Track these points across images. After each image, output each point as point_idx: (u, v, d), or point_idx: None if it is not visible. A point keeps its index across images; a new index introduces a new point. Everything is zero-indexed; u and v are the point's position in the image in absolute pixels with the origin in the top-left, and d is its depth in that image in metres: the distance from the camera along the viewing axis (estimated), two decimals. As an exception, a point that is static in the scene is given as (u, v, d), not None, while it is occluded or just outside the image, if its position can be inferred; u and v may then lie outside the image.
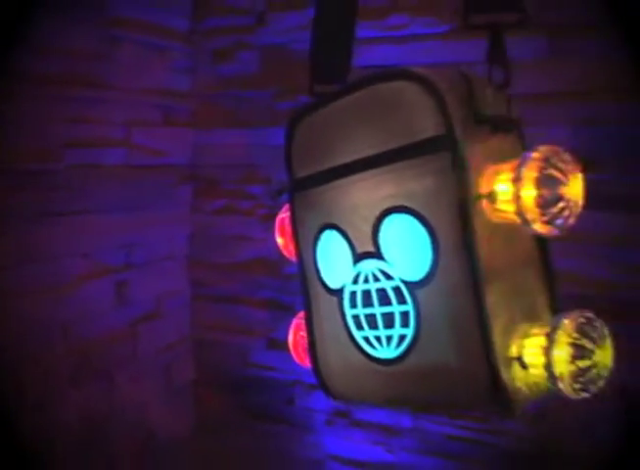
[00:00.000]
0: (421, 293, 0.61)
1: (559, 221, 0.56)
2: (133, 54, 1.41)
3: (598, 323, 0.57)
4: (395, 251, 0.63)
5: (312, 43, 0.78)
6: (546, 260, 0.64)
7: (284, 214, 0.81)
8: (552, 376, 0.56)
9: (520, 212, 0.56)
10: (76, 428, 1.33)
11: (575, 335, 0.56)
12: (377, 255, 0.64)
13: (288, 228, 0.80)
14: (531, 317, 0.61)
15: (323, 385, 0.75)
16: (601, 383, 0.57)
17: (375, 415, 1.49)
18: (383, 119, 0.63)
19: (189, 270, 1.62)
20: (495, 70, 0.61)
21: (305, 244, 0.74)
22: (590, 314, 0.57)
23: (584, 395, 0.56)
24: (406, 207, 0.61)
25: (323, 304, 0.72)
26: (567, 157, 0.56)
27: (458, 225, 0.58)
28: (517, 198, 0.56)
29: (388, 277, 0.64)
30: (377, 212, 0.63)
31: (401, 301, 0.63)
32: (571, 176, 0.56)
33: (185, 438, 1.56)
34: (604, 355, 0.57)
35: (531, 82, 1.27)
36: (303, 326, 0.80)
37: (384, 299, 0.64)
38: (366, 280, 0.66)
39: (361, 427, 1.51)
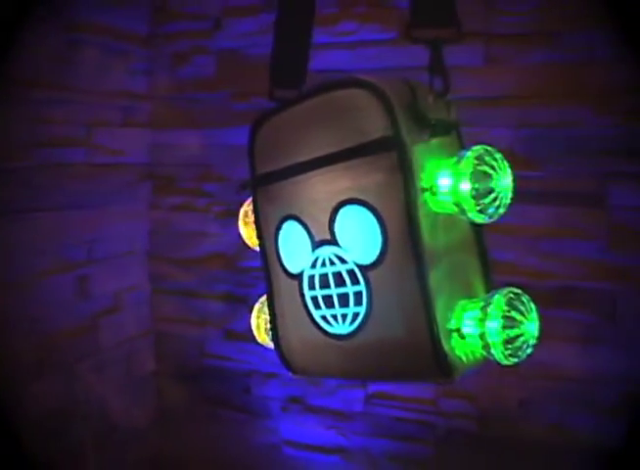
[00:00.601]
0: (372, 274, 0.70)
1: (490, 210, 0.65)
2: (95, 57, 1.47)
3: (525, 298, 0.67)
4: (349, 238, 0.71)
5: (272, 50, 0.86)
6: (481, 244, 0.73)
7: (247, 207, 0.89)
8: (486, 344, 0.65)
9: (457, 203, 0.65)
10: (40, 420, 1.38)
11: (506, 308, 0.65)
12: (333, 242, 0.72)
13: (250, 220, 0.87)
14: (468, 294, 0.71)
15: (284, 361, 0.83)
16: (529, 350, 0.66)
17: (328, 401, 1.58)
18: (337, 122, 0.71)
19: (148, 265, 1.68)
20: (436, 78, 0.70)
21: (267, 234, 0.82)
22: (518, 290, 0.67)
23: (514, 360, 0.65)
24: (359, 199, 0.69)
25: (284, 287, 0.80)
26: (497, 155, 0.66)
27: (404, 215, 0.66)
28: (455, 191, 0.65)
29: (343, 261, 0.72)
30: (333, 204, 0.72)
31: (355, 282, 0.71)
32: (501, 172, 0.65)
33: (146, 428, 1.62)
34: (531, 326, 0.66)
35: (476, 87, 1.38)
36: (263, 310, 0.89)
37: (339, 281, 0.72)
38: (323, 264, 0.74)
39: (315, 412, 1.59)
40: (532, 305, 0.67)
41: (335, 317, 0.74)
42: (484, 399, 1.45)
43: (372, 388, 1.54)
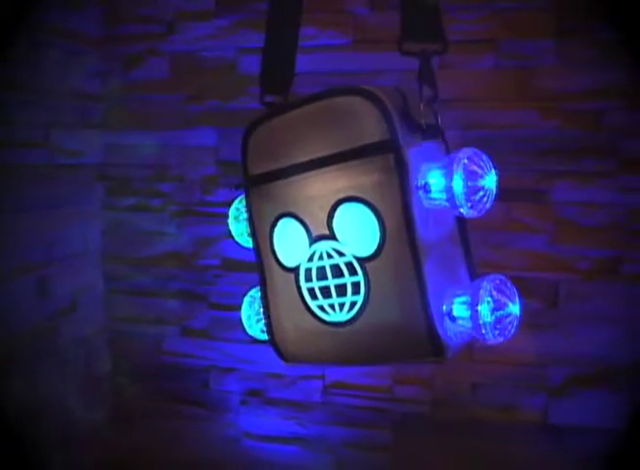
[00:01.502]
0: (370, 266, 0.76)
1: (480, 206, 0.73)
2: (52, 58, 1.47)
3: (509, 283, 0.75)
4: (348, 232, 0.77)
5: (263, 58, 0.91)
6: (464, 237, 0.81)
7: (238, 205, 0.94)
8: (477, 325, 0.72)
9: (450, 200, 0.72)
10: (3, 421, 1.37)
11: (494, 292, 0.73)
12: (331, 236, 0.78)
13: (242, 216, 0.92)
14: (456, 281, 0.78)
15: (277, 349, 0.89)
16: (513, 329, 0.74)
17: (287, 393, 1.63)
18: (336, 126, 0.77)
19: (104, 265, 1.69)
20: (425, 87, 0.77)
21: (261, 230, 0.87)
22: (503, 277, 0.75)
23: (501, 339, 0.73)
24: (358, 197, 0.76)
25: (278, 280, 0.86)
26: (484, 157, 0.73)
27: (401, 211, 0.73)
28: (449, 188, 0.72)
29: (341, 254, 0.78)
30: (332, 202, 0.78)
31: (353, 273, 0.77)
32: (487, 171, 0.73)
33: (106, 427, 1.63)
34: (515, 308, 0.74)
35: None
36: (253, 303, 0.94)
37: (337, 272, 0.79)
38: (321, 258, 0.80)
39: (274, 404, 1.64)
40: (514, 289, 0.75)
41: (332, 306, 0.80)
42: (438, 385, 1.54)
43: (330, 378, 1.60)
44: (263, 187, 0.85)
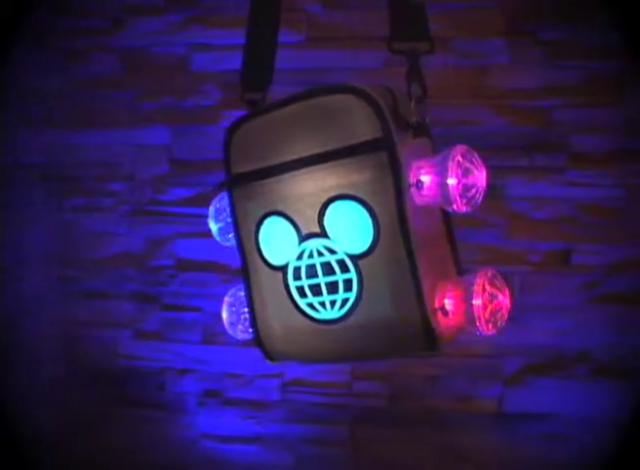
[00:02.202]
0: (363, 263, 0.76)
1: (472, 202, 0.74)
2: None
3: (499, 276, 0.77)
4: (340, 230, 0.77)
5: (243, 55, 0.90)
6: (450, 233, 0.83)
7: (217, 204, 0.92)
8: (472, 318, 0.74)
9: (445, 196, 0.73)
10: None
11: (487, 287, 0.75)
12: (322, 234, 0.78)
13: (222, 216, 0.91)
14: (445, 276, 0.80)
15: (263, 349, 0.88)
16: (504, 321, 0.76)
17: (245, 392, 1.62)
18: (327, 125, 0.77)
19: (57, 267, 1.64)
20: (414, 86, 0.78)
21: (246, 229, 0.86)
22: (494, 271, 0.77)
23: (494, 330, 0.75)
24: (350, 195, 0.76)
25: (264, 279, 0.85)
26: (475, 154, 0.75)
27: (395, 208, 0.74)
28: (444, 185, 0.73)
29: (332, 252, 0.78)
30: (323, 200, 0.78)
31: (345, 270, 0.78)
32: (479, 168, 0.75)
33: (62, 432, 1.59)
34: (505, 300, 0.76)
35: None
36: (235, 302, 0.93)
37: (327, 270, 0.79)
38: (311, 256, 0.80)
39: (232, 405, 1.63)
40: (505, 282, 0.77)
41: (322, 304, 0.80)
42: (396, 379, 1.56)
43: (288, 376, 1.60)
44: (248, 186, 0.84)
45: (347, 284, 0.78)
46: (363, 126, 0.75)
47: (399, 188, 0.74)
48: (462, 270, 0.83)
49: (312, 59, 1.52)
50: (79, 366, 1.65)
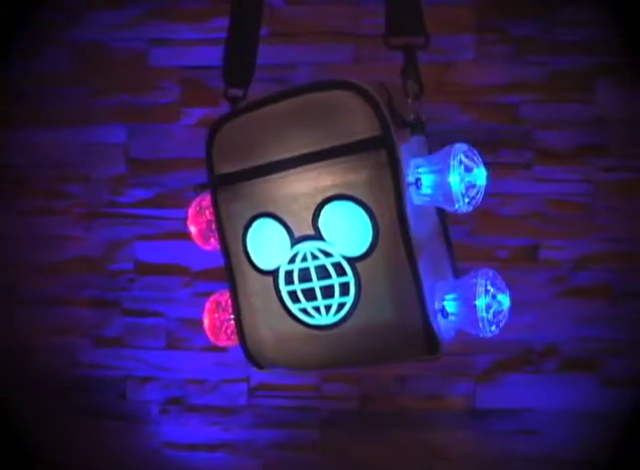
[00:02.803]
0: (361, 265, 0.73)
1: (474, 202, 0.72)
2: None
3: (499, 277, 0.75)
4: (336, 232, 0.74)
5: (225, 51, 0.86)
6: (446, 232, 0.80)
7: (196, 207, 0.88)
8: (474, 320, 0.72)
9: (446, 196, 0.71)
10: None
11: (490, 287, 0.72)
12: (316, 237, 0.75)
13: (202, 218, 0.87)
14: (442, 277, 0.77)
15: (249, 356, 0.84)
16: (504, 321, 0.74)
17: (210, 398, 1.57)
18: (321, 122, 0.73)
19: (8, 274, 1.55)
20: (410, 82, 0.75)
21: (232, 232, 0.82)
22: (493, 271, 0.75)
23: (497, 332, 0.73)
24: (348, 195, 0.73)
25: (252, 284, 0.81)
26: (476, 152, 0.73)
27: (395, 208, 0.71)
28: (445, 184, 0.70)
29: (327, 255, 0.75)
30: (318, 201, 0.74)
31: (341, 273, 0.74)
32: (480, 166, 0.72)
33: (21, 443, 1.51)
34: (506, 301, 0.74)
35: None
36: (217, 309, 0.89)
37: (322, 273, 0.75)
38: (304, 259, 0.76)
39: (197, 411, 1.58)
40: (504, 283, 0.76)
41: (317, 309, 0.77)
42: (366, 380, 1.54)
43: (255, 380, 1.56)
44: (234, 187, 0.80)
45: (344, 288, 0.75)
46: (361, 124, 0.72)
47: (399, 187, 0.71)
48: (457, 271, 0.81)
49: (277, 54, 1.48)
50: (37, 376, 1.57)
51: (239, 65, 0.87)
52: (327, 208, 0.74)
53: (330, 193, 0.74)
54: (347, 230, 0.74)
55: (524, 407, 1.50)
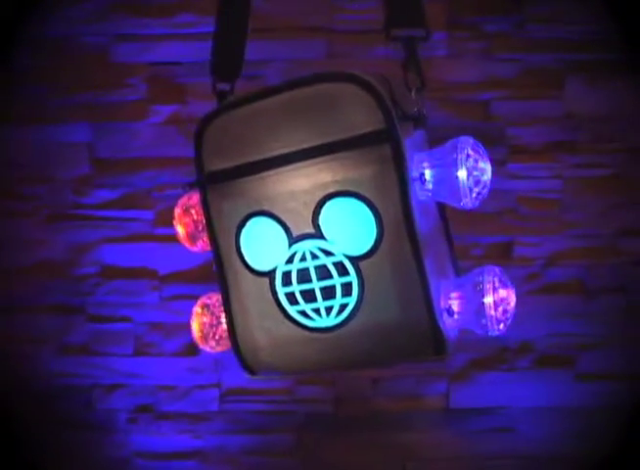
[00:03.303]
0: (365, 264, 0.71)
1: (481, 197, 0.70)
2: None
3: (504, 274, 0.73)
4: (339, 230, 0.72)
5: (213, 46, 0.83)
6: (448, 230, 0.78)
7: (182, 207, 0.84)
8: (483, 318, 0.70)
9: (454, 191, 0.69)
10: None
11: (498, 284, 0.71)
12: (317, 235, 0.72)
13: (189, 218, 0.83)
14: (445, 275, 0.76)
15: (243, 361, 0.81)
16: (511, 320, 0.73)
17: (181, 405, 1.53)
18: (321, 116, 0.71)
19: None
20: (411, 75, 0.73)
21: (224, 232, 0.78)
22: (499, 268, 0.73)
23: (503, 330, 0.72)
24: (350, 191, 0.70)
25: (246, 286, 0.78)
26: (480, 144, 0.71)
27: (400, 204, 0.69)
28: (453, 179, 0.68)
29: (329, 254, 0.72)
30: (318, 198, 0.71)
31: (343, 273, 0.72)
32: (486, 161, 0.71)
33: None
34: (511, 296, 0.73)
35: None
36: (206, 312, 0.85)
37: (323, 274, 0.73)
38: (303, 259, 0.73)
39: (167, 419, 1.53)
40: (510, 281, 0.74)
41: (317, 311, 0.74)
42: (340, 382, 1.52)
43: (226, 385, 1.52)
44: (226, 184, 0.77)
45: (346, 288, 0.72)
46: (363, 117, 0.69)
47: (404, 183, 0.69)
48: (459, 268, 0.80)
49: (248, 50, 1.44)
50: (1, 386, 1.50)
51: (227, 58, 0.84)
52: (328, 205, 0.71)
53: (331, 189, 0.71)
54: (350, 228, 0.71)
55: (499, 405, 1.50)
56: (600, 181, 1.46)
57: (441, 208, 0.78)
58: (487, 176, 0.71)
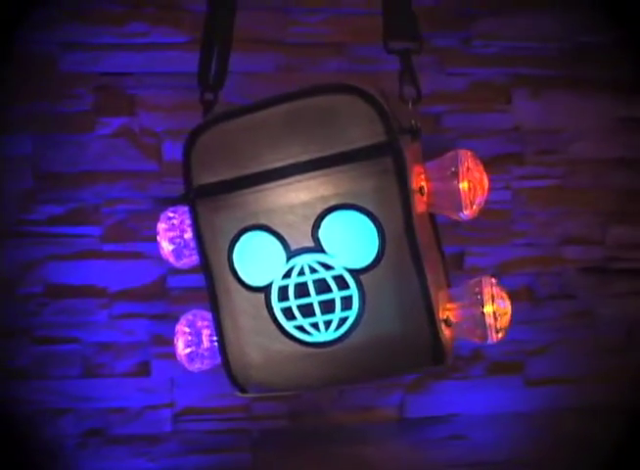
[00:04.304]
0: (366, 277, 0.71)
1: (480, 208, 0.71)
2: None
3: (500, 284, 0.75)
4: (340, 243, 0.71)
5: (201, 56, 0.82)
6: (439, 241, 0.79)
7: (166, 221, 0.81)
8: (483, 327, 0.71)
9: (455, 202, 0.70)
10: None
11: (495, 294, 0.72)
12: (316, 249, 0.71)
13: (174, 233, 0.80)
14: (440, 286, 0.76)
15: (234, 380, 0.79)
16: (508, 327, 0.74)
17: (132, 427, 1.47)
18: (322, 128, 0.70)
19: None
20: (406, 87, 0.74)
21: (215, 247, 0.76)
22: (493, 278, 0.74)
23: (502, 338, 0.73)
24: (352, 204, 0.70)
25: (239, 302, 0.76)
26: (477, 157, 0.72)
27: (402, 217, 0.69)
28: (454, 191, 0.69)
29: (327, 267, 0.71)
30: (318, 211, 0.71)
31: (343, 287, 0.71)
32: (482, 172, 0.72)
33: None
34: (509, 306, 0.74)
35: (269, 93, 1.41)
36: (192, 331, 0.82)
37: (322, 287, 0.72)
38: (301, 273, 0.72)
39: (119, 443, 1.48)
40: (504, 289, 0.75)
41: (315, 326, 0.73)
42: (296, 397, 1.50)
43: (179, 404, 1.48)
44: (219, 198, 0.75)
45: (346, 302, 0.72)
46: (364, 130, 0.69)
47: (406, 195, 0.69)
48: (450, 280, 0.81)
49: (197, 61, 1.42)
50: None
51: (212, 69, 0.82)
52: (329, 218, 0.71)
53: (332, 202, 0.70)
54: (352, 241, 0.71)
55: (453, 413, 1.52)
56: (545, 192, 1.51)
57: (433, 219, 0.79)
58: (486, 187, 0.72)
